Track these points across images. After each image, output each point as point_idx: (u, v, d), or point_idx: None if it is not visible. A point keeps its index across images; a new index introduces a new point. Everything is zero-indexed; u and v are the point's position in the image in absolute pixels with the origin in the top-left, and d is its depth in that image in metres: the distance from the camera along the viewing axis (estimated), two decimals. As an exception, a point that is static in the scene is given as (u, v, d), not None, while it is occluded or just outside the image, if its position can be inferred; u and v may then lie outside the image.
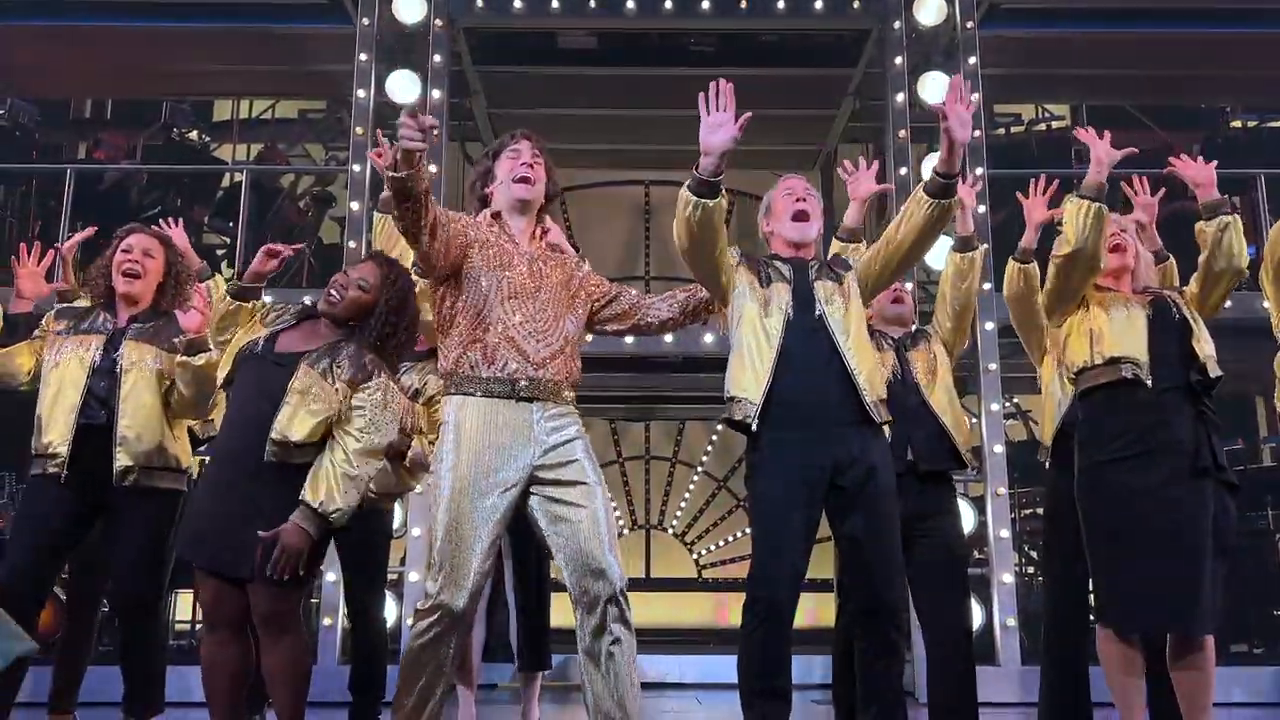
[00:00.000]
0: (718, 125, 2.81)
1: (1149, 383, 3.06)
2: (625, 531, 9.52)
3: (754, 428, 2.96)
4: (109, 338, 3.57)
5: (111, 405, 3.49)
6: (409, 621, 2.70)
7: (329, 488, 2.85)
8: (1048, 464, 3.77)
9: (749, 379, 3.00)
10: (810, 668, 6.30)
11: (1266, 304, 3.42)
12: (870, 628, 2.99)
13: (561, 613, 3.12)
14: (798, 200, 3.21)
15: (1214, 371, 3.11)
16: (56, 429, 3.48)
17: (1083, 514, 3.19)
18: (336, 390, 2.94)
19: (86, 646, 3.91)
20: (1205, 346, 3.14)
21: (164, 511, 3.54)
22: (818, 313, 3.06)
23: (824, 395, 2.98)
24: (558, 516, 2.73)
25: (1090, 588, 3.51)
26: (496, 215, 2.98)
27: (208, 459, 3.15)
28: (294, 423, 2.89)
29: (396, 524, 5.82)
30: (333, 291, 3.07)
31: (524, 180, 2.96)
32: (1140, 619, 2.97)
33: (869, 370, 3.03)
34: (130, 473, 3.46)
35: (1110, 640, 3.06)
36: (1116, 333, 3.12)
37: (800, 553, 2.95)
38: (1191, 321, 3.17)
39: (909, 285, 3.89)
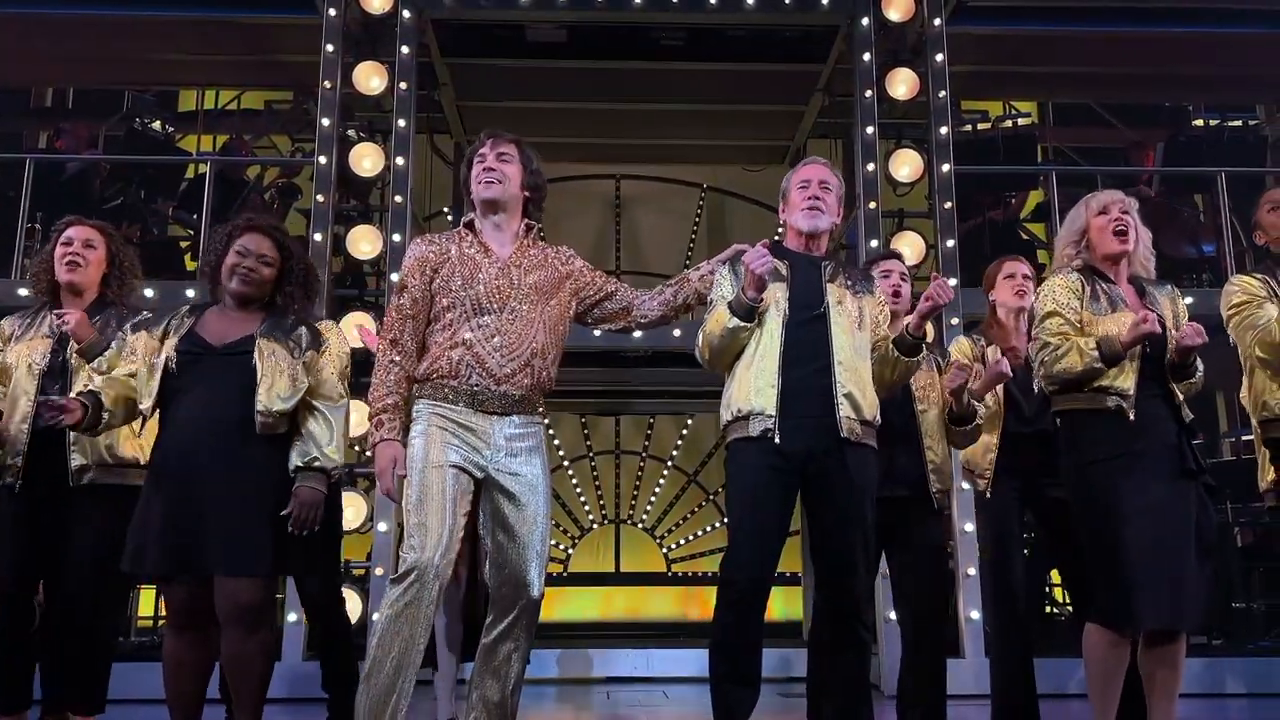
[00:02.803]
0: (758, 259, 2.92)
1: (1131, 416, 3.06)
2: (595, 526, 9.52)
3: (777, 439, 2.93)
4: (56, 339, 3.54)
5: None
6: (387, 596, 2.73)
7: (326, 449, 3.09)
8: (989, 490, 3.74)
9: (759, 392, 2.97)
10: (783, 662, 6.34)
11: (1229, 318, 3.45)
12: (836, 621, 3.01)
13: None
14: (810, 195, 3.17)
15: (1185, 416, 3.13)
16: (11, 439, 3.48)
17: (1075, 512, 3.20)
18: (303, 362, 3.13)
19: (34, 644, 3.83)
20: (1181, 390, 3.15)
21: (121, 509, 3.49)
22: (821, 309, 3.03)
23: (811, 392, 2.97)
24: (499, 524, 2.86)
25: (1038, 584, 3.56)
26: (469, 224, 3.03)
27: (150, 468, 3.07)
28: (274, 393, 3.03)
29: (361, 519, 5.81)
30: (243, 271, 3.15)
31: (485, 182, 2.99)
32: (1141, 616, 2.99)
33: (855, 387, 2.99)
34: (86, 471, 3.45)
35: (1101, 635, 3.07)
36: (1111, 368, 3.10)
37: (774, 540, 2.97)
38: (1174, 358, 3.15)
39: (905, 285, 3.73)
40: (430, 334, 2.92)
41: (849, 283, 3.14)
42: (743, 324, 2.99)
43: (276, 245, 3.22)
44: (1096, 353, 3.06)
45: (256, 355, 3.05)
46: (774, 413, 2.94)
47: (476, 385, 2.84)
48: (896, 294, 3.63)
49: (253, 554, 2.95)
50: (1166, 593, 2.95)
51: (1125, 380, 3.08)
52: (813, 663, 3.68)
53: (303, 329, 3.23)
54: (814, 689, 3.66)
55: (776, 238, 3.30)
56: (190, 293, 6.03)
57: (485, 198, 3.00)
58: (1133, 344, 3.03)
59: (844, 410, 2.96)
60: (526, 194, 3.08)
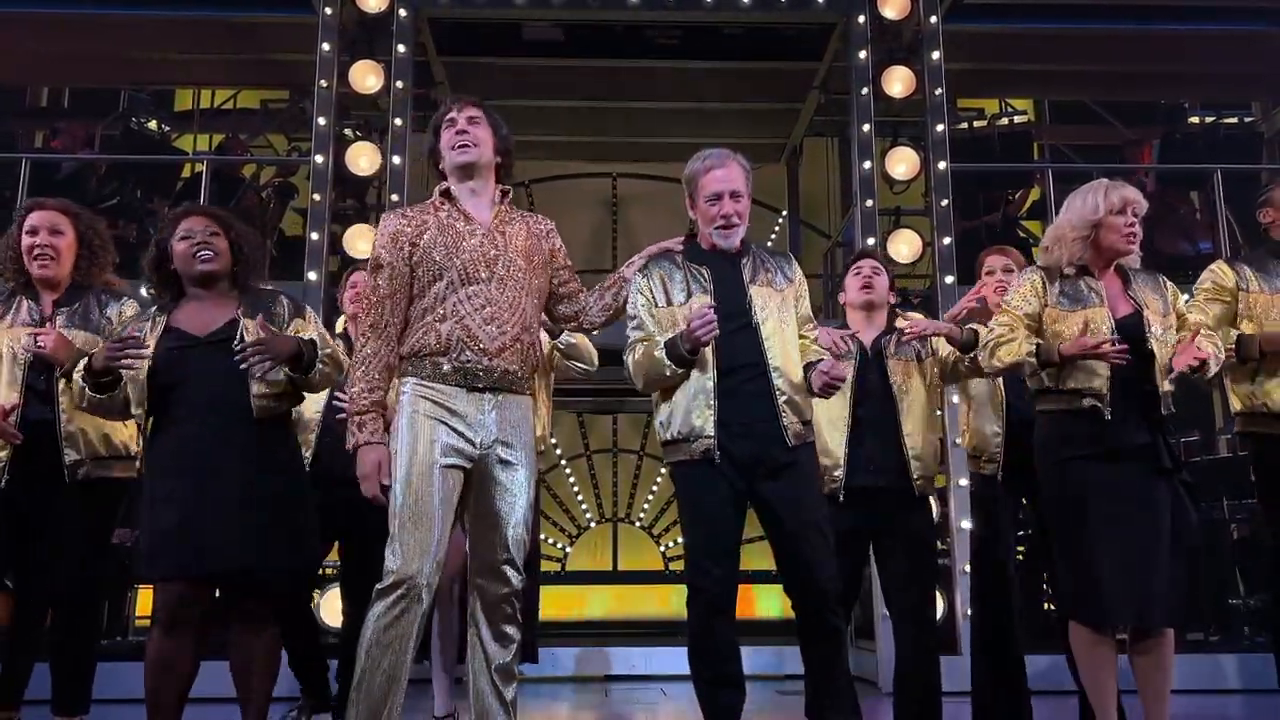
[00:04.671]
0: (704, 325, 2.86)
1: (1107, 415, 3.07)
2: (592, 524, 9.52)
3: (717, 460, 2.93)
4: (39, 326, 3.44)
5: (52, 399, 3.40)
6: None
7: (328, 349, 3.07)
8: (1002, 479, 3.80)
9: (696, 413, 2.96)
10: (780, 659, 6.34)
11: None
12: (808, 613, 3.00)
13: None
14: (722, 214, 3.08)
15: (1165, 409, 3.12)
16: None
17: (1047, 509, 3.23)
18: (290, 333, 3.08)
19: (36, 641, 3.81)
20: (1166, 382, 3.12)
21: (112, 501, 3.48)
22: (750, 322, 3.01)
23: (749, 398, 2.97)
24: (486, 512, 2.77)
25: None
26: (446, 193, 2.92)
27: (151, 469, 3.02)
28: (267, 375, 2.98)
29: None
30: (204, 252, 3.07)
31: (460, 147, 2.87)
32: (1110, 613, 3.01)
33: (793, 391, 3.00)
34: (80, 466, 3.41)
35: (1082, 633, 3.09)
36: (1082, 365, 3.10)
37: (730, 542, 2.99)
38: (1158, 353, 3.12)
39: (877, 277, 3.77)
40: (413, 311, 2.79)
41: (769, 276, 3.12)
42: (679, 370, 2.97)
43: (214, 219, 3.14)
44: (1034, 354, 3.11)
45: (243, 337, 2.97)
46: (713, 433, 2.94)
47: (468, 361, 2.72)
48: (869, 287, 3.70)
49: (283, 549, 2.94)
50: (1134, 590, 2.97)
51: (1098, 381, 3.09)
52: None
53: (282, 298, 3.17)
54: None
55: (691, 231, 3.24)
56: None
57: (461, 162, 2.87)
58: (1073, 358, 3.05)
59: (787, 419, 2.98)
60: (499, 159, 2.96)
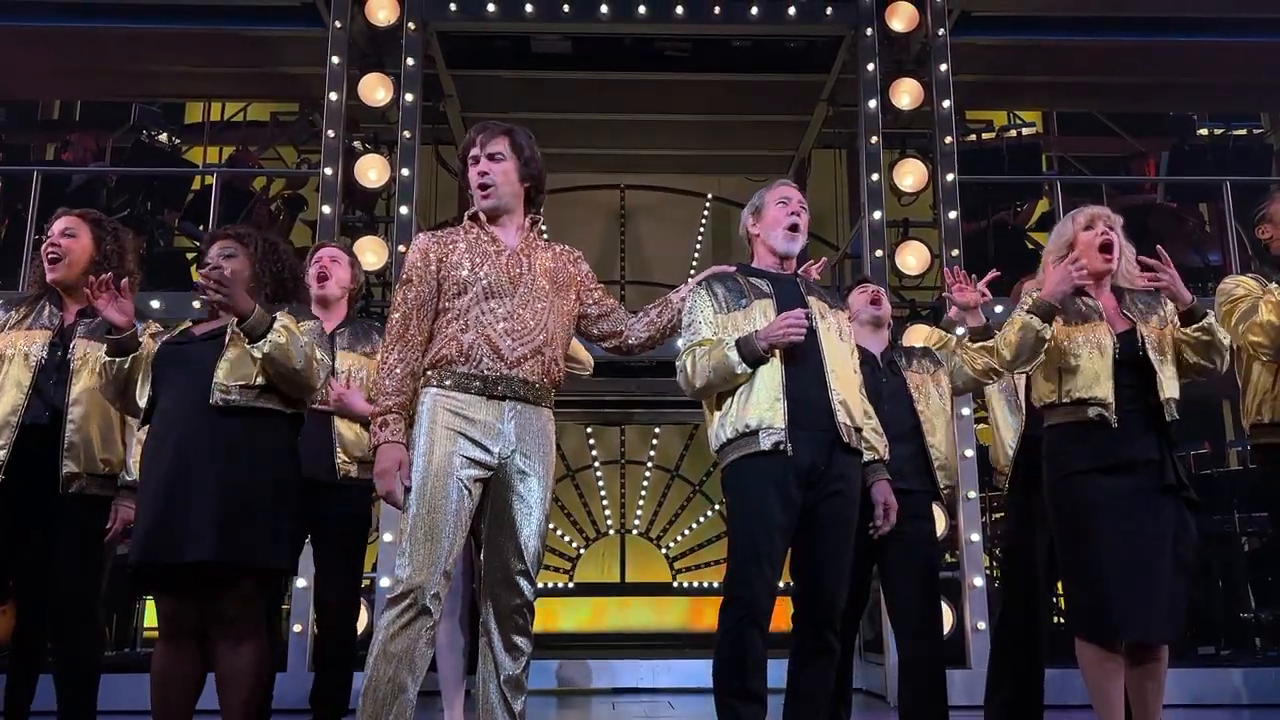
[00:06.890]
0: (796, 322, 2.93)
1: (1114, 423, 3.08)
2: (600, 536, 9.50)
3: (790, 452, 2.93)
4: (56, 332, 3.45)
5: (57, 406, 3.38)
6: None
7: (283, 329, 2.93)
8: (1006, 488, 3.89)
9: (767, 406, 2.96)
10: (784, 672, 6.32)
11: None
12: (810, 629, 3.02)
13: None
14: (792, 213, 3.21)
15: (1170, 415, 3.11)
16: None
17: (1054, 524, 3.23)
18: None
19: (38, 653, 3.71)
20: (1167, 388, 3.12)
21: (103, 517, 3.44)
22: (811, 325, 3.04)
23: (811, 404, 2.99)
24: (501, 522, 2.80)
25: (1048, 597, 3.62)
26: (474, 217, 2.99)
27: (143, 458, 3.01)
28: (237, 373, 2.91)
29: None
30: (204, 281, 2.93)
31: (482, 190, 2.96)
32: (1120, 628, 3.00)
33: (848, 394, 3.05)
34: (76, 479, 3.38)
35: (1090, 649, 3.08)
36: (1084, 375, 3.12)
37: (778, 554, 2.97)
38: (1156, 363, 3.13)
39: (882, 294, 3.96)
40: (438, 325, 2.85)
41: (822, 296, 3.22)
42: (749, 370, 3.00)
43: (235, 240, 3.11)
44: (1031, 312, 3.13)
45: (228, 335, 2.94)
46: (783, 425, 2.94)
47: (488, 370, 2.77)
48: (878, 303, 3.87)
49: (245, 542, 2.81)
50: (1139, 605, 2.97)
51: (1101, 389, 3.10)
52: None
53: (286, 310, 3.08)
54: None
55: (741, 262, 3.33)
56: (196, 304, 6.04)
57: (482, 208, 2.97)
58: (1056, 290, 3.09)
59: (841, 417, 3.01)
60: (526, 185, 3.02)
